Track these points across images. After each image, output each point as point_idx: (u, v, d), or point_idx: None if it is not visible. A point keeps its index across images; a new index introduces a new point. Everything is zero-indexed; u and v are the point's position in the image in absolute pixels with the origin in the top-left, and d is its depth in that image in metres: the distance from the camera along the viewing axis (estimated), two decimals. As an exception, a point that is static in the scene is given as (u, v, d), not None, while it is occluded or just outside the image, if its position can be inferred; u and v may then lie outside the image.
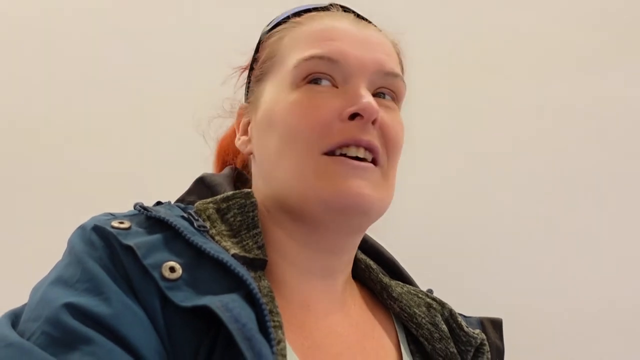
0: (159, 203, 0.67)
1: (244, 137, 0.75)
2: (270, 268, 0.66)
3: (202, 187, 0.73)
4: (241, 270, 0.56)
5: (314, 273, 0.69)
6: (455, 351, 0.73)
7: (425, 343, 0.73)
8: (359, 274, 0.78)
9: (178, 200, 0.72)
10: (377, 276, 0.77)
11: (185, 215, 0.63)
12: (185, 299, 0.53)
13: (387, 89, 0.70)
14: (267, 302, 0.58)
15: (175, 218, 0.60)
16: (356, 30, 0.70)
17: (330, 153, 0.65)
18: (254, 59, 0.77)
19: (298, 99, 0.66)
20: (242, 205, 0.65)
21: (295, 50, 0.69)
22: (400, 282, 0.79)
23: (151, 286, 0.54)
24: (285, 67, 0.69)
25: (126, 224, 0.59)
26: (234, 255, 0.59)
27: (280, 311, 0.58)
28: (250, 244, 0.62)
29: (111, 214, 0.62)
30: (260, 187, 0.71)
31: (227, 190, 0.70)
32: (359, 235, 0.72)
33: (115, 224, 0.58)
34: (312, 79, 0.67)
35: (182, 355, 0.53)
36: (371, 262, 0.79)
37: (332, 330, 0.68)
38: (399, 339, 0.75)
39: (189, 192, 0.73)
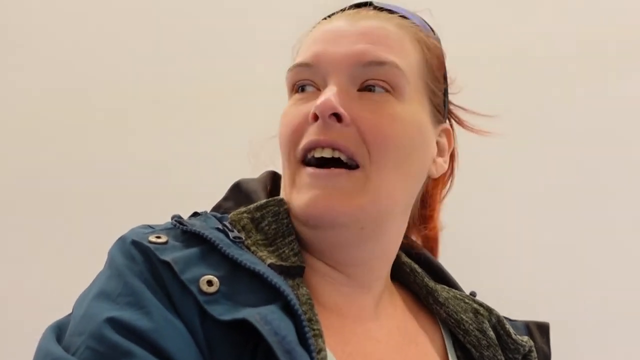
0: (195, 214, 0.67)
1: None
2: (306, 275, 0.65)
3: (238, 193, 0.73)
4: (278, 281, 0.56)
5: (343, 285, 0.67)
6: (503, 359, 0.71)
7: (473, 350, 0.71)
8: (404, 278, 0.77)
9: (215, 208, 0.72)
10: (423, 280, 0.75)
11: (221, 227, 0.62)
12: (224, 312, 0.53)
13: (376, 80, 0.64)
14: (306, 310, 0.57)
15: (210, 231, 0.60)
16: (345, 25, 0.67)
17: (304, 160, 0.64)
18: None
19: (285, 110, 0.68)
20: (276, 213, 0.64)
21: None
22: (445, 287, 0.77)
23: (190, 301, 0.54)
24: None
25: (163, 239, 0.59)
26: (270, 265, 0.59)
27: (319, 319, 0.57)
28: (287, 251, 0.62)
29: (150, 227, 0.63)
30: None
31: (261, 197, 0.69)
32: (369, 245, 0.66)
33: (152, 238, 0.59)
34: (297, 87, 0.68)
35: None
36: (416, 266, 0.77)
37: (371, 336, 0.67)
38: (446, 345, 0.73)
39: (226, 199, 0.73)
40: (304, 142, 0.63)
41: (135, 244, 0.58)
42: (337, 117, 0.62)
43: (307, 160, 0.64)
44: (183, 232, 0.61)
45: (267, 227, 0.64)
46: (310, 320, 0.56)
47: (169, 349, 0.51)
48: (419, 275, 0.76)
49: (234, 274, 0.57)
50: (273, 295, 0.55)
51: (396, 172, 0.64)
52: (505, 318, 0.76)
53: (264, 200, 0.66)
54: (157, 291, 0.55)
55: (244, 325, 0.52)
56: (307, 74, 0.66)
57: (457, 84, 0.77)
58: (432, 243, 0.82)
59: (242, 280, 0.56)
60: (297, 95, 0.67)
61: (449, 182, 0.80)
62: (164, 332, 0.52)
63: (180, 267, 0.55)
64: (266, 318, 0.52)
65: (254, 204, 0.66)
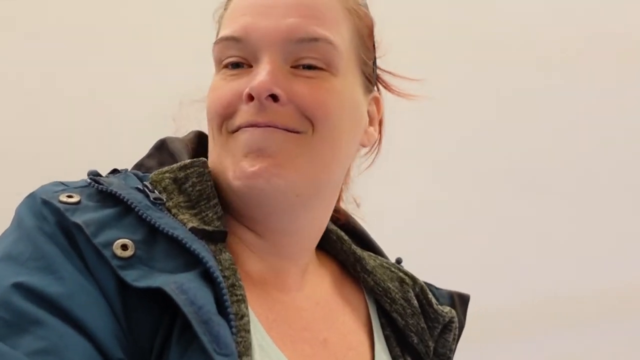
0: (115, 171, 0.63)
1: None
2: (229, 242, 0.62)
3: (162, 151, 0.69)
4: (197, 247, 0.54)
5: (270, 254, 0.66)
6: (425, 327, 0.72)
7: (399, 319, 0.72)
8: (330, 245, 0.75)
9: (136, 165, 0.68)
10: (350, 247, 0.75)
11: (141, 186, 0.59)
12: (139, 278, 0.51)
13: (310, 57, 0.62)
14: (230, 275, 0.55)
15: (128, 191, 0.57)
16: None
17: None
18: None
19: (213, 84, 0.65)
20: (201, 174, 0.62)
21: (218, 34, 0.67)
22: (372, 254, 0.77)
23: (105, 266, 0.51)
24: None
25: (75, 198, 0.55)
26: (192, 229, 0.56)
27: (242, 284, 0.56)
28: (210, 214, 0.59)
29: (62, 184, 0.58)
30: None
31: (185, 159, 0.66)
32: (302, 214, 0.65)
33: (63, 197, 0.55)
34: (227, 64, 0.64)
35: (139, 337, 0.51)
36: (342, 234, 0.76)
37: (296, 305, 0.66)
38: (370, 313, 0.74)
39: (149, 156, 0.69)
40: (239, 121, 0.61)
41: (46, 203, 0.54)
42: (274, 97, 0.60)
43: None
44: (98, 191, 0.57)
45: (190, 189, 0.61)
46: (233, 285, 0.55)
47: (82, 317, 0.48)
48: (345, 243, 0.75)
49: (152, 238, 0.54)
50: (192, 261, 0.53)
51: (335, 144, 0.64)
52: (431, 285, 0.77)
53: (189, 161, 0.63)
54: (71, 255, 0.52)
55: (161, 294, 0.50)
56: (235, 49, 0.63)
57: (384, 47, 0.75)
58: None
59: (159, 245, 0.54)
60: (227, 71, 0.64)
61: (377, 150, 0.80)
62: (77, 298, 0.49)
63: (92, 230, 0.52)
64: (182, 287, 0.50)
65: (177, 163, 0.63)
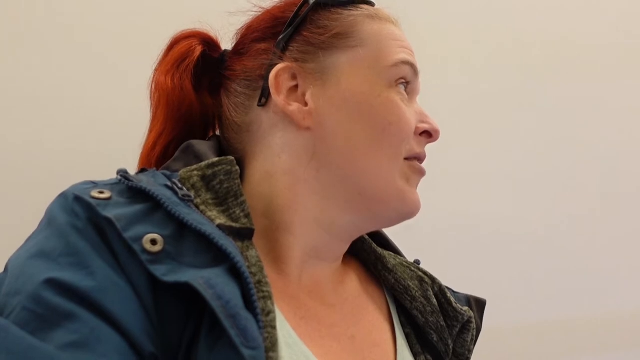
0: (143, 170, 0.65)
1: (300, 106, 0.67)
2: (268, 239, 0.65)
3: (189, 154, 0.70)
4: (225, 242, 0.54)
5: (315, 257, 0.69)
6: (445, 325, 0.73)
7: (420, 316, 0.73)
8: (352, 245, 0.76)
9: (163, 169, 0.69)
10: (371, 246, 0.76)
11: (170, 184, 0.60)
12: (168, 272, 0.51)
13: None
14: (256, 272, 0.56)
15: (157, 188, 0.58)
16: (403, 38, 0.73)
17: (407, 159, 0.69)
18: (306, 20, 0.70)
19: (397, 100, 0.68)
20: (228, 172, 0.62)
21: (386, 47, 0.69)
22: (392, 254, 0.78)
23: (136, 261, 0.52)
24: (376, 59, 0.68)
25: (106, 194, 0.56)
26: (219, 226, 0.57)
27: (270, 281, 0.57)
28: (238, 212, 0.60)
29: (92, 182, 0.59)
30: (303, 160, 0.67)
31: (211, 157, 0.66)
32: None
33: (94, 193, 0.55)
34: (400, 83, 0.69)
35: (170, 331, 0.51)
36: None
37: (326, 302, 0.67)
38: (391, 310, 0.75)
39: (175, 160, 0.70)
40: (417, 150, 0.70)
41: (78, 199, 0.55)
42: None
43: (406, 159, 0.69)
44: (129, 188, 0.58)
45: (218, 186, 0.62)
46: (259, 282, 0.55)
47: (114, 311, 0.49)
48: (366, 242, 0.76)
49: (180, 233, 0.55)
50: (220, 257, 0.54)
51: None
52: (448, 289, 0.78)
53: (217, 159, 0.64)
54: (103, 250, 0.52)
55: (189, 289, 0.50)
56: (411, 77, 0.70)
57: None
58: None
59: (188, 241, 0.54)
60: (404, 93, 0.69)
61: None
62: (108, 293, 0.49)
63: (123, 225, 0.53)
64: (210, 282, 0.50)
65: (204, 161, 0.64)
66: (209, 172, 0.62)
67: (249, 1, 0.74)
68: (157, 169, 0.66)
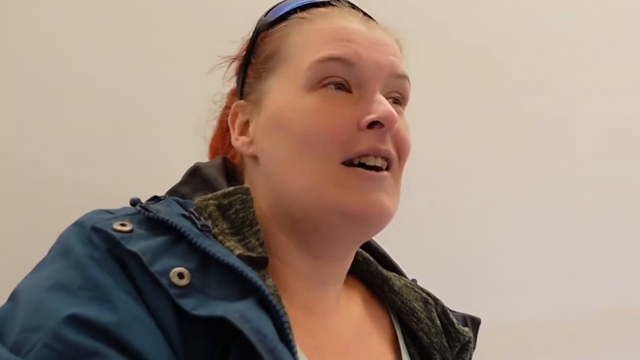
0: (155, 198, 0.64)
1: (243, 138, 0.70)
2: (270, 269, 0.63)
3: (196, 177, 0.70)
4: (253, 275, 0.54)
5: (315, 279, 0.68)
6: (447, 345, 0.75)
7: (424, 337, 0.74)
8: (356, 267, 0.77)
9: (170, 192, 0.69)
10: (377, 268, 0.77)
11: (187, 213, 0.59)
12: (197, 306, 0.51)
13: (397, 92, 0.69)
14: (276, 302, 0.55)
15: (177, 218, 0.57)
16: (367, 30, 0.68)
17: (348, 162, 0.63)
18: (252, 52, 0.72)
19: (315, 104, 0.64)
20: (244, 201, 0.62)
21: (307, 49, 0.66)
22: (396, 275, 0.79)
23: (161, 294, 0.51)
24: (296, 66, 0.66)
25: (128, 226, 0.55)
26: (239, 256, 0.57)
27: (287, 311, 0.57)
28: (253, 241, 0.60)
29: (108, 212, 0.58)
30: (261, 190, 0.67)
31: (222, 183, 0.67)
32: (362, 243, 0.71)
33: (117, 226, 0.55)
34: (327, 83, 0.65)
35: None
36: (368, 255, 0.78)
37: (336, 330, 0.67)
38: (396, 332, 0.75)
39: (183, 183, 0.70)
40: (360, 147, 0.63)
41: (98, 231, 0.54)
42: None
43: (349, 162, 0.64)
44: (148, 219, 0.57)
45: (234, 215, 0.61)
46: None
47: (137, 346, 0.48)
48: (372, 264, 0.77)
49: (205, 265, 0.54)
50: (247, 289, 0.53)
51: (401, 177, 0.70)
52: (447, 307, 0.79)
53: (232, 188, 0.64)
54: (124, 284, 0.51)
55: (219, 322, 0.50)
56: (342, 70, 0.65)
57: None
58: None
59: (213, 273, 0.54)
60: (329, 91, 0.65)
61: None
62: (132, 328, 0.48)
63: (149, 259, 0.52)
64: (245, 316, 0.50)
65: (219, 190, 0.64)
66: (225, 201, 0.62)
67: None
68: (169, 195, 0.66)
